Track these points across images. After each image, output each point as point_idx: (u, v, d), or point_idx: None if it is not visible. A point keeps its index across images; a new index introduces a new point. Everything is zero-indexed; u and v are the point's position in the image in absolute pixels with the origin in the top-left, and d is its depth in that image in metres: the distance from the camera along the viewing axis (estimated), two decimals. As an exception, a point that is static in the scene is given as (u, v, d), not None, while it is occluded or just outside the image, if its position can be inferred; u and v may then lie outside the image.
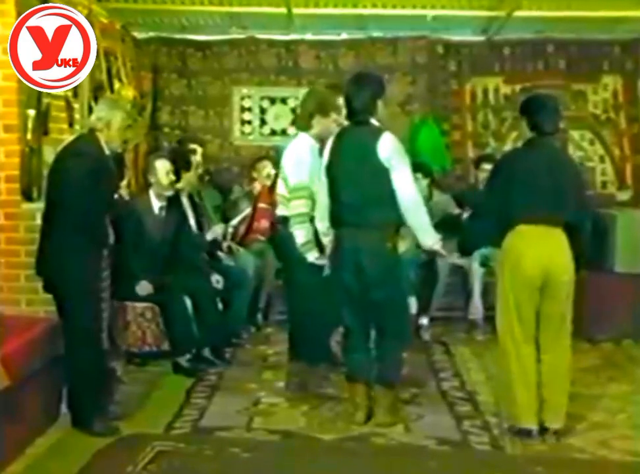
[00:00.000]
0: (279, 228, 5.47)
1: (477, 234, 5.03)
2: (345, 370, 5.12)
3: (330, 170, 4.91)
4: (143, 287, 6.02)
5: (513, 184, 4.63)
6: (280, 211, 5.42)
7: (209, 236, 6.77)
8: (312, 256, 5.19)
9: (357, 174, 4.77)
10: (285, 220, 5.34)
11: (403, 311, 5.11)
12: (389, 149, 4.75)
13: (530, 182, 4.61)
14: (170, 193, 6.25)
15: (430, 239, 4.88)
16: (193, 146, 7.08)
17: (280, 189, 5.43)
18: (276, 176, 7.74)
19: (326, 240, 5.07)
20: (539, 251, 4.55)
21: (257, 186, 7.58)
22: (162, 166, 6.20)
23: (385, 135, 4.77)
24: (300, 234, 5.20)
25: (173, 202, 6.35)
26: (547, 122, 4.71)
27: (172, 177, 6.25)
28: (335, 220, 4.93)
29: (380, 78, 5.15)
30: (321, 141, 5.26)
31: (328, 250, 5.08)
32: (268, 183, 7.67)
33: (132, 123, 5.41)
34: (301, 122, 5.45)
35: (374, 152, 4.74)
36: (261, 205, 7.54)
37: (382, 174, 4.73)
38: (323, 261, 5.13)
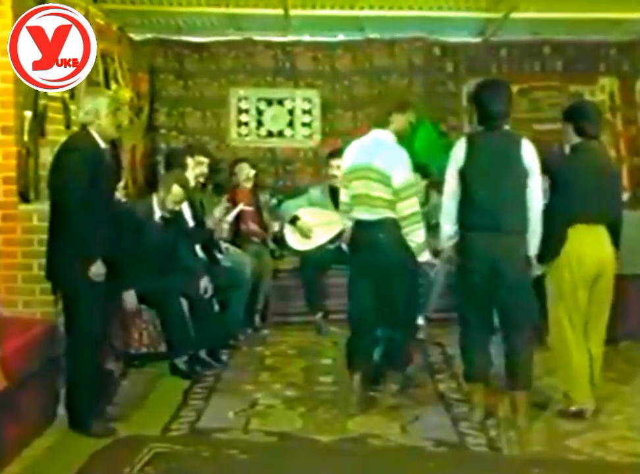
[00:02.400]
0: (372, 233, 5.12)
1: (559, 239, 4.99)
2: (463, 370, 5.14)
3: (467, 173, 4.82)
4: (130, 297, 5.95)
5: (572, 187, 4.93)
6: (379, 215, 5.09)
7: (209, 223, 6.84)
8: (426, 256, 5.14)
9: (500, 178, 4.77)
10: (379, 223, 5.08)
11: (532, 313, 5.01)
12: (531, 155, 4.81)
13: (585, 185, 4.92)
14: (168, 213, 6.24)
15: (537, 249, 4.91)
16: (200, 158, 7.05)
17: (376, 191, 5.06)
18: (256, 176, 7.81)
19: (448, 244, 4.99)
20: (595, 247, 4.97)
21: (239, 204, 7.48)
22: (176, 194, 6.15)
23: (525, 141, 4.85)
24: (421, 234, 5.06)
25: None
26: (592, 126, 5.08)
27: (178, 208, 6.25)
28: (468, 223, 4.85)
29: (509, 85, 5.28)
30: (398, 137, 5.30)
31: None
32: (248, 186, 7.69)
33: (120, 106, 5.36)
34: (379, 119, 5.28)
35: (518, 157, 4.77)
36: (245, 208, 7.54)
37: (522, 179, 4.77)
38: (436, 262, 5.16)
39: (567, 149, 5.13)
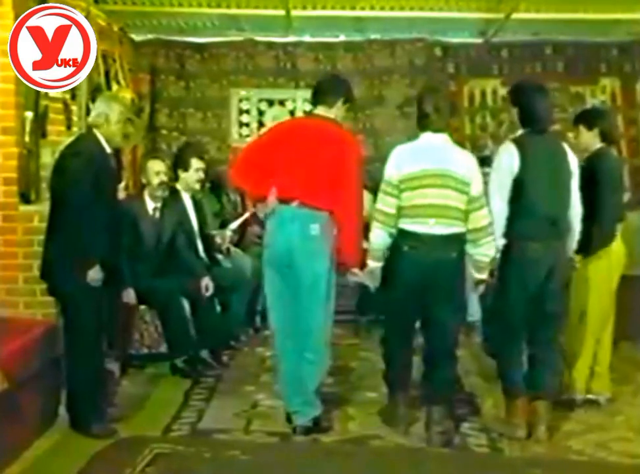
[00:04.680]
0: (441, 249, 4.53)
1: (606, 237, 5.13)
2: (507, 389, 4.86)
3: (525, 181, 4.61)
4: (129, 295, 5.98)
5: (616, 187, 5.21)
6: (453, 228, 4.54)
7: (217, 239, 6.84)
8: (486, 273, 4.73)
9: (556, 185, 4.71)
10: (452, 239, 4.54)
11: (561, 322, 5.02)
12: (574, 158, 4.81)
13: (621, 185, 5.35)
14: (161, 193, 6.25)
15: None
16: (198, 164, 6.96)
17: (454, 201, 4.52)
18: None
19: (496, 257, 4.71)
20: (622, 244, 5.26)
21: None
22: (152, 167, 6.21)
23: (566, 144, 4.86)
24: (494, 246, 4.62)
25: (170, 203, 6.35)
26: (616, 132, 5.49)
27: (163, 178, 6.24)
28: (524, 232, 4.63)
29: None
30: None
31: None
32: None
33: (132, 117, 5.31)
34: (444, 122, 4.70)
35: (567, 161, 4.75)
36: (253, 210, 7.53)
37: (571, 184, 4.75)
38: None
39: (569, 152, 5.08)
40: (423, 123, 4.67)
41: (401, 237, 4.60)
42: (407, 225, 4.57)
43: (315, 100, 4.95)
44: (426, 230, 4.53)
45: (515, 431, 4.74)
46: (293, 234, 4.68)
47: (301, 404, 4.83)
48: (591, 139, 5.17)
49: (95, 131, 4.75)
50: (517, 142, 4.70)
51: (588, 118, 5.29)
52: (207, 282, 6.13)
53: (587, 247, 4.97)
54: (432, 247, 4.53)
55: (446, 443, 4.68)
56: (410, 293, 4.63)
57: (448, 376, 4.76)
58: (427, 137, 4.66)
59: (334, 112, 4.89)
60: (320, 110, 4.90)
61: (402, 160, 4.62)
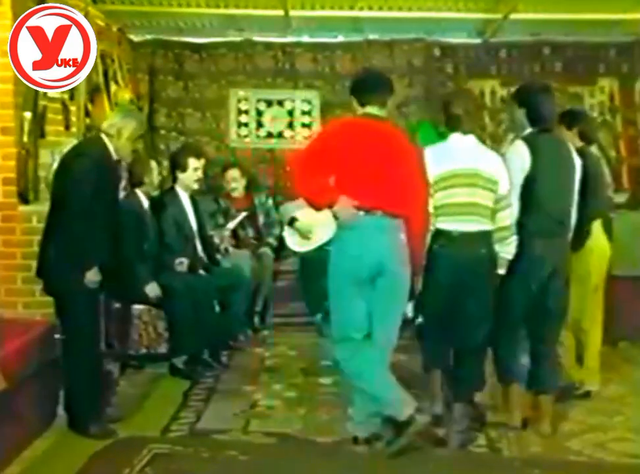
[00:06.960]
0: (474, 247, 4.59)
1: (587, 234, 5.22)
2: (503, 375, 4.96)
3: (536, 179, 4.67)
4: (154, 288, 5.98)
5: (596, 185, 5.22)
6: (484, 226, 4.61)
7: (215, 239, 6.93)
8: (504, 269, 4.74)
9: (564, 183, 4.79)
10: (483, 236, 4.61)
11: (563, 319, 5.06)
12: (578, 158, 4.89)
13: (600, 183, 5.36)
14: (157, 192, 6.37)
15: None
16: (197, 163, 6.96)
17: (484, 199, 4.59)
18: (250, 183, 7.78)
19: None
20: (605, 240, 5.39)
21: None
22: (156, 167, 6.35)
23: (570, 144, 4.94)
24: (515, 245, 4.69)
25: (166, 202, 6.44)
26: (593, 131, 5.61)
27: (159, 176, 6.45)
28: (531, 229, 4.68)
29: None
30: None
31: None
32: (236, 195, 7.68)
33: (144, 134, 5.26)
34: (473, 124, 4.86)
35: (572, 161, 4.84)
36: (246, 213, 7.55)
37: (575, 182, 4.84)
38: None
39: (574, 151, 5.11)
40: (453, 124, 4.74)
41: (434, 236, 4.66)
42: (440, 224, 4.63)
43: (363, 98, 4.65)
44: (456, 227, 4.59)
45: (511, 418, 4.83)
46: (383, 244, 4.48)
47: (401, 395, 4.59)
48: (571, 139, 5.21)
49: (104, 136, 4.75)
50: (527, 141, 4.76)
51: (567, 119, 5.39)
52: (180, 260, 6.26)
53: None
54: (461, 244, 4.59)
55: (464, 442, 4.69)
56: (444, 292, 4.65)
57: (473, 374, 4.80)
58: (457, 138, 4.72)
59: (385, 111, 4.72)
60: (374, 110, 4.63)
61: (433, 162, 4.65)
